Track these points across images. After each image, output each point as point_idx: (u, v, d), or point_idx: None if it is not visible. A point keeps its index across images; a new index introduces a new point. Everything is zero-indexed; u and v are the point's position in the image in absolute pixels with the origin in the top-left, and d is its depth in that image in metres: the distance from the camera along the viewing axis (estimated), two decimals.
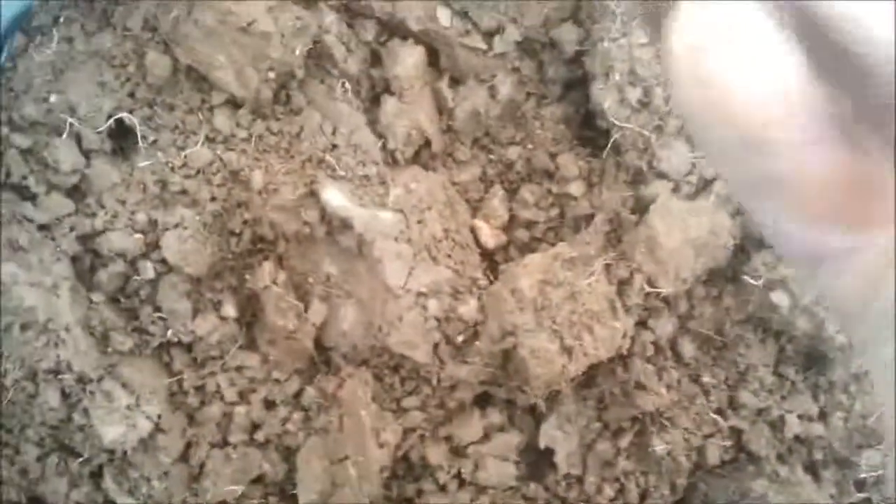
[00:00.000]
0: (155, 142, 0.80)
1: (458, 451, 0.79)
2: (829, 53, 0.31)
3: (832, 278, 0.34)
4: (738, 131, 0.32)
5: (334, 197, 0.79)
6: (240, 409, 0.75)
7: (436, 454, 0.78)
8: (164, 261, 0.76)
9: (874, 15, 0.30)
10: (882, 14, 0.29)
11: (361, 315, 0.77)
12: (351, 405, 0.75)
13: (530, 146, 0.89)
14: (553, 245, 0.84)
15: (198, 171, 0.79)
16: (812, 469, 0.85)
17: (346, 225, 0.78)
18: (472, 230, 0.85)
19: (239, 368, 0.77)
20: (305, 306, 0.77)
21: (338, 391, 0.76)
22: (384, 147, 0.84)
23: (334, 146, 0.82)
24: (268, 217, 0.78)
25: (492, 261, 0.85)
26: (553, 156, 0.87)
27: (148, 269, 0.76)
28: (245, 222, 0.79)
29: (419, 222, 0.80)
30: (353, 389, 0.75)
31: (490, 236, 0.85)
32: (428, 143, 0.86)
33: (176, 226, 0.77)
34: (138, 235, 0.76)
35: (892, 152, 0.31)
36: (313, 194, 0.79)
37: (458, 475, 0.78)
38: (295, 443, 0.76)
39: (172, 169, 0.79)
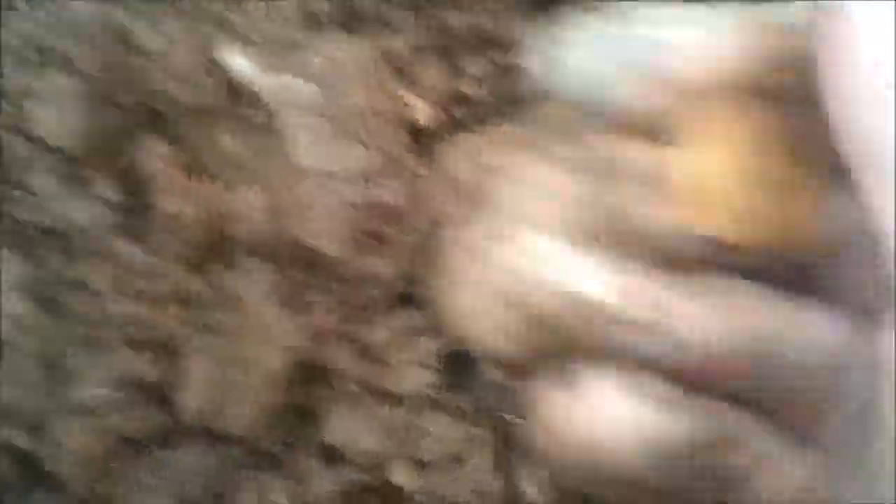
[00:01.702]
0: None
1: (368, 355, 0.71)
2: None
3: None
4: None
5: (239, 63, 0.70)
6: (117, 307, 0.68)
7: (343, 358, 0.70)
8: (36, 136, 0.67)
9: None
10: None
11: (266, 200, 0.68)
12: (248, 302, 0.67)
13: (473, 10, 0.77)
14: (495, 125, 0.74)
15: (78, 32, 0.70)
16: None
17: (252, 96, 0.69)
18: (403, 106, 0.75)
19: (119, 259, 0.69)
20: (200, 189, 0.69)
21: (234, 286, 0.68)
22: (303, 6, 0.74)
23: (241, 3, 0.71)
24: (160, 86, 0.69)
25: (423, 141, 0.76)
26: (498, 21, 0.77)
27: (17, 147, 0.67)
28: (132, 92, 0.69)
29: (339, 94, 0.70)
30: (251, 284, 0.68)
31: (423, 113, 0.75)
32: (355, 4, 0.76)
33: (51, 96, 0.67)
34: (6, 108, 0.67)
35: None
36: (215, 60, 0.70)
37: (367, 382, 0.71)
38: (182, 344, 0.69)
39: (48, 29, 0.69)
